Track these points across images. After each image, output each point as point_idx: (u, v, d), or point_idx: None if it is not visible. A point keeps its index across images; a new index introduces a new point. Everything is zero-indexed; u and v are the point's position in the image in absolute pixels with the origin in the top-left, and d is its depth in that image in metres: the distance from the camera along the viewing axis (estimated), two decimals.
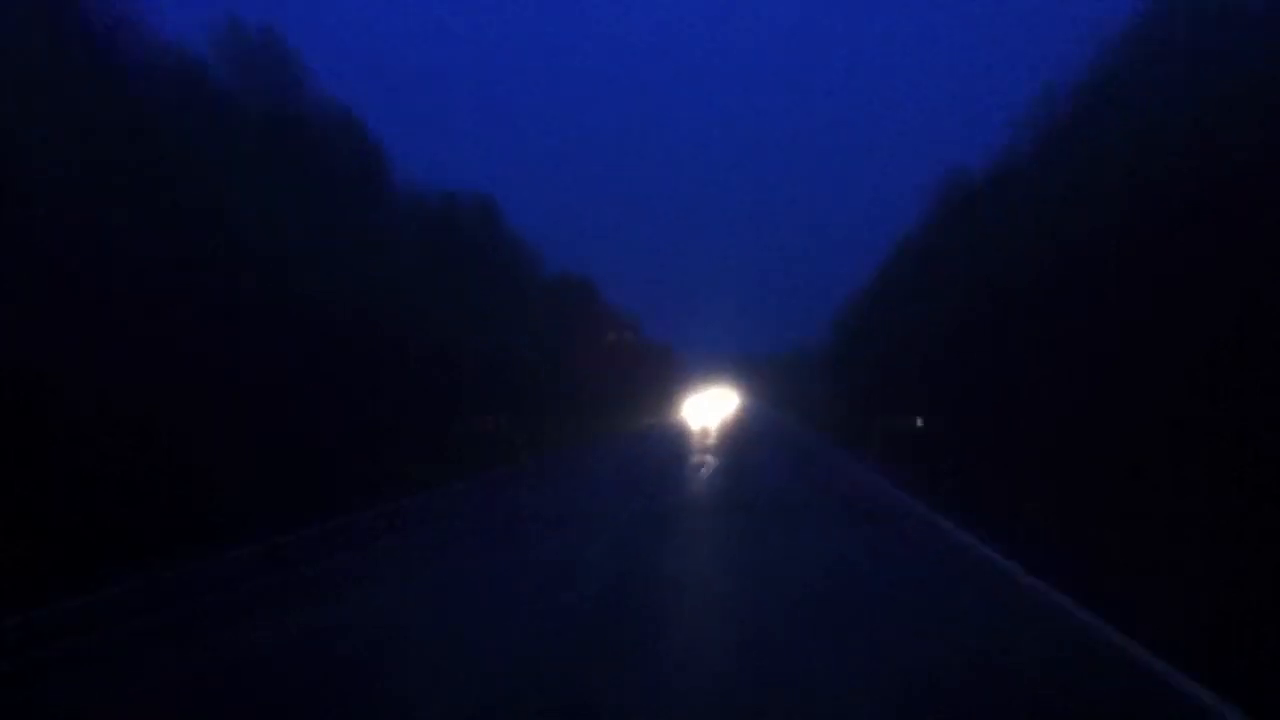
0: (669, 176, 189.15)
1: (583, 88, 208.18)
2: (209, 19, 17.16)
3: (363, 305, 17.63)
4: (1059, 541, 9.68)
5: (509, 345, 27.15)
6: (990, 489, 13.31)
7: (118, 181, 11.81)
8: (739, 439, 35.04)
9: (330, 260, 16.64)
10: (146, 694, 5.95)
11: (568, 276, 40.56)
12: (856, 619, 7.42)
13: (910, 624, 7.21)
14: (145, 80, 13.76)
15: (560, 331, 34.34)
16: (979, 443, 16.11)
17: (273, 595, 8.87)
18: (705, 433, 39.08)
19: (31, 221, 10.87)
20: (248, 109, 16.80)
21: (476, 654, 6.58)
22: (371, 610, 8.17)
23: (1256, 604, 6.63)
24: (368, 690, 5.79)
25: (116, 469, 10.62)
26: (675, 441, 33.50)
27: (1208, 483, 8.83)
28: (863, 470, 21.04)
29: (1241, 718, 4.95)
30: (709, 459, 24.30)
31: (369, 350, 17.83)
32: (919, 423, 22.00)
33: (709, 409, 59.52)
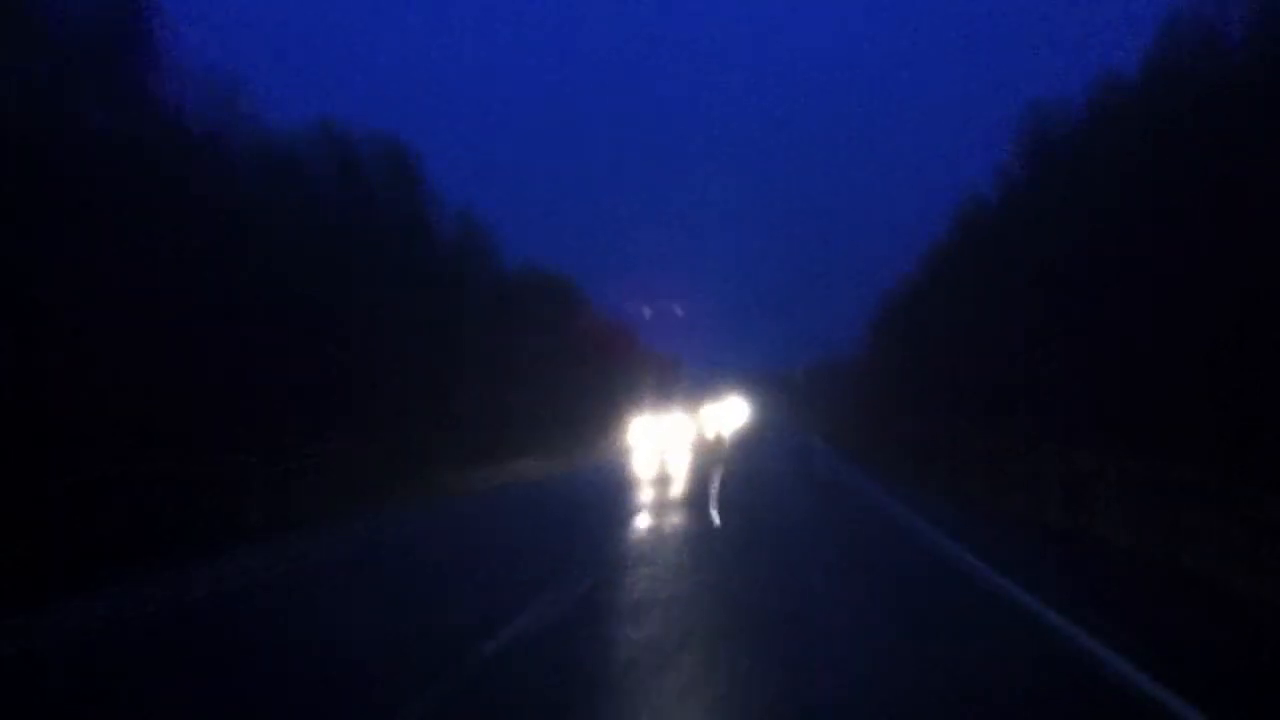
0: (670, 178, 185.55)
1: (586, 76, 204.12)
2: None
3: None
4: None
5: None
6: None
7: None
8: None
9: None
10: None
11: (532, 271, 33.01)
12: None
13: None
14: None
15: (500, 332, 26.82)
16: None
17: None
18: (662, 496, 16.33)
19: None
20: None
21: None
22: None
23: None
24: None
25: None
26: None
27: None
28: None
29: None
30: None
31: None
32: None
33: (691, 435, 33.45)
